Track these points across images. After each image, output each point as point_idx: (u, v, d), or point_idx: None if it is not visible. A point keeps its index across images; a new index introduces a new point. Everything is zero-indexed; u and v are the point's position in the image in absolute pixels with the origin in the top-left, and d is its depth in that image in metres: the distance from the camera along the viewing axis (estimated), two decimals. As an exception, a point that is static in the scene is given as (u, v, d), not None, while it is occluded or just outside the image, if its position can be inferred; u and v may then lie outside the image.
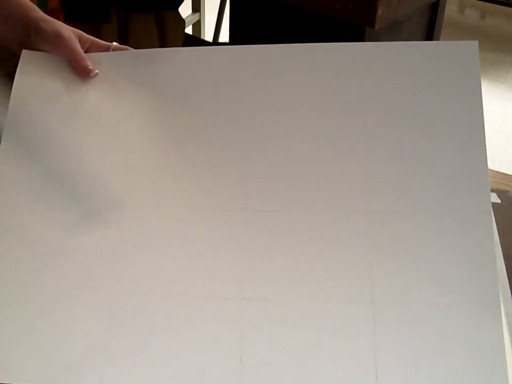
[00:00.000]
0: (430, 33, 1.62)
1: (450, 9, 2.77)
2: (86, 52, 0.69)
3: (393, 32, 1.45)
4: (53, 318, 0.59)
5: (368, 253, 0.60)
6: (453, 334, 0.57)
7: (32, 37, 0.68)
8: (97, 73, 0.67)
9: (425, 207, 0.61)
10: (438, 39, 1.66)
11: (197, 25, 2.30)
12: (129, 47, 0.70)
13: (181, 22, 1.35)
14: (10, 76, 0.67)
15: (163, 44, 1.29)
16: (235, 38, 1.62)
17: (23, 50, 0.67)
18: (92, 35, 0.71)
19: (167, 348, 0.58)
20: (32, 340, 0.58)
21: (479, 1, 2.74)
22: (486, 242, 0.59)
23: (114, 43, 0.71)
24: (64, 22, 0.69)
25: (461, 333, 0.57)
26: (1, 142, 0.64)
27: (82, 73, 0.67)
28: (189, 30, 2.24)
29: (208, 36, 2.34)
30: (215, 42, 2.14)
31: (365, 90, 0.64)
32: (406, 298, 0.58)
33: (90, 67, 0.67)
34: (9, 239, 0.61)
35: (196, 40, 1.85)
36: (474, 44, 0.64)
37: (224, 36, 2.14)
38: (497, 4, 2.72)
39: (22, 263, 0.60)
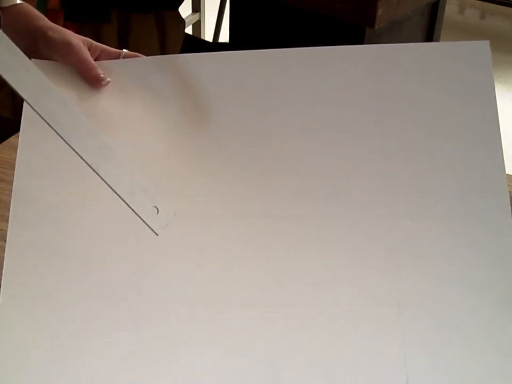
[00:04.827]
0: (430, 33, 1.62)
1: (450, 9, 2.77)
2: (96, 59, 0.68)
3: (393, 32, 1.45)
4: (80, 331, 0.57)
5: (392, 257, 0.59)
6: (479, 336, 0.57)
7: (40, 46, 0.68)
8: (109, 81, 0.66)
9: (445, 211, 0.61)
10: (438, 39, 1.66)
11: (197, 25, 2.30)
12: (140, 54, 0.69)
13: (181, 22, 1.35)
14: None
15: (163, 44, 1.29)
16: (235, 38, 1.62)
17: (32, 59, 0.65)
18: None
19: (196, 358, 0.57)
20: (59, 353, 0.56)
21: (479, 1, 2.74)
22: (507, 245, 0.59)
23: (124, 50, 0.70)
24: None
25: (486, 335, 0.57)
26: (17, 154, 0.63)
27: (93, 81, 0.66)
28: (189, 30, 2.24)
29: (208, 36, 2.34)
30: (215, 42, 2.14)
31: (379, 93, 0.64)
32: (430, 301, 0.58)
33: (102, 75, 0.65)
34: (34, 252, 0.60)
35: (196, 40, 1.84)
36: (486, 43, 0.64)
37: (224, 36, 2.14)
38: (497, 3, 2.72)
39: (47, 276, 0.59)
